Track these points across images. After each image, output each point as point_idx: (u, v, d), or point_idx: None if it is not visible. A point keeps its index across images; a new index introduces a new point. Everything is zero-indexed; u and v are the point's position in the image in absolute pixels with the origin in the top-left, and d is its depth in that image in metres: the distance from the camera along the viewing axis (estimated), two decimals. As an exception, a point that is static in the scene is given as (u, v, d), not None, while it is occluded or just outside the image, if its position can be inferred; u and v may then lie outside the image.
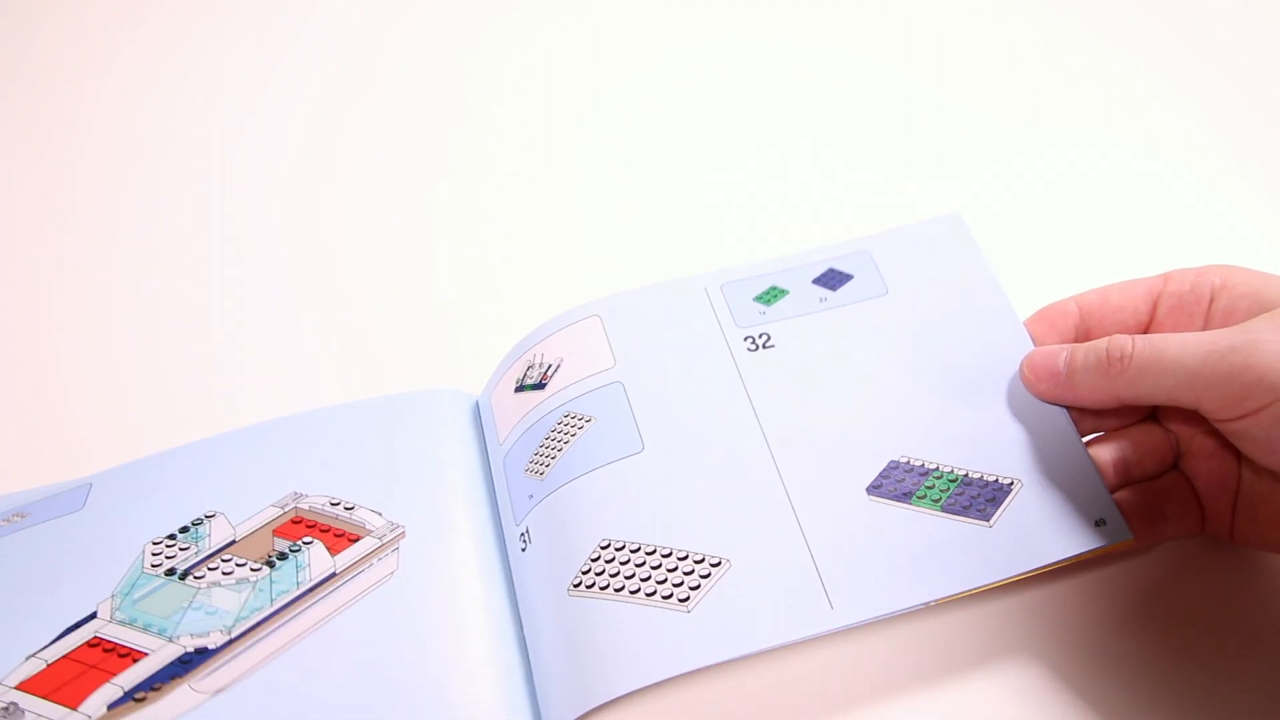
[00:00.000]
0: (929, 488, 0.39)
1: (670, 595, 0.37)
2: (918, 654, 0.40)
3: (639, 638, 0.37)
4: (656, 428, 0.41)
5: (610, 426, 0.41)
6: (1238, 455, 0.39)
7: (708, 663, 0.36)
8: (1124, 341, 0.37)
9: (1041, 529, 0.38)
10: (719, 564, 0.38)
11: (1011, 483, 0.39)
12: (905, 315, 0.43)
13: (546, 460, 0.42)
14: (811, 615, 0.37)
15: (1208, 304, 0.39)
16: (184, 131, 0.59)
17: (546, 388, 0.44)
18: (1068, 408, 0.40)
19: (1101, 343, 0.38)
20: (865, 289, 0.44)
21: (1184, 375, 0.35)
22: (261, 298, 0.52)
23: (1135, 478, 0.40)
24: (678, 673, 0.36)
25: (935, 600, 0.37)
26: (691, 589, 0.37)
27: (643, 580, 0.38)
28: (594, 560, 0.39)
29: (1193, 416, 0.40)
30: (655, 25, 0.64)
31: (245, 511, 0.41)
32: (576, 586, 0.38)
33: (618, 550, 0.39)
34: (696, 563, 0.38)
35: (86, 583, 0.38)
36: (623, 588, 0.38)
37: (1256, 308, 0.37)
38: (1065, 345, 0.40)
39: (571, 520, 0.40)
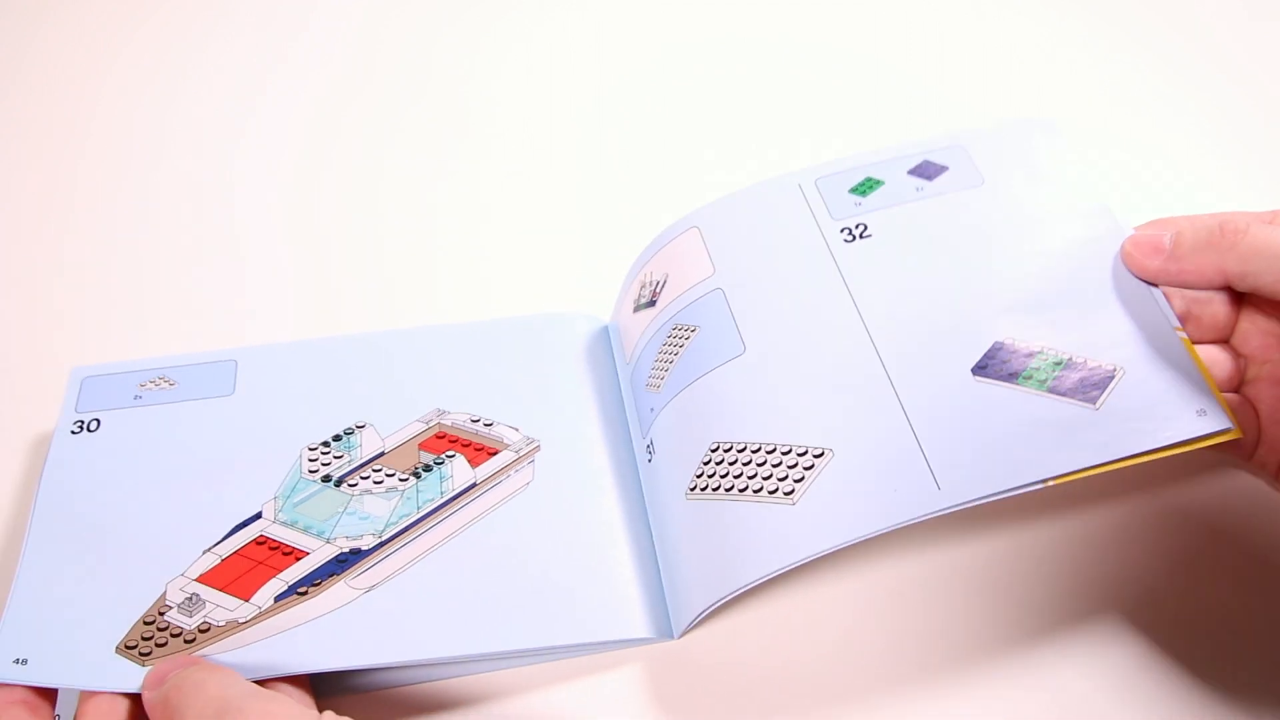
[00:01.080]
0: (1034, 369, 0.38)
1: (776, 490, 0.38)
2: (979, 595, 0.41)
3: (748, 535, 0.37)
4: (756, 328, 0.42)
5: (713, 333, 0.42)
6: None
7: (813, 553, 0.36)
8: (1238, 218, 0.37)
9: (1147, 414, 0.37)
10: (821, 455, 0.38)
11: (1115, 369, 0.38)
12: (1002, 205, 0.43)
13: (661, 373, 0.43)
14: (918, 497, 0.36)
15: None
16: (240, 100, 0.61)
17: (657, 304, 0.45)
18: (1165, 292, 0.39)
19: (1213, 218, 0.37)
20: (961, 179, 0.44)
21: None
22: (397, 218, 0.55)
23: None
24: (784, 567, 0.36)
25: (1043, 481, 0.36)
26: (796, 481, 0.38)
27: (749, 478, 0.38)
28: (705, 464, 0.40)
29: (1271, 338, 0.39)
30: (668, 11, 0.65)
31: (391, 422, 0.44)
32: (693, 490, 0.40)
33: (726, 451, 0.39)
34: (800, 455, 0.38)
35: (248, 480, 0.41)
36: (732, 487, 0.39)
37: None
38: (1171, 220, 0.39)
39: (684, 428, 0.41)
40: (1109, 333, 0.39)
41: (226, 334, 0.50)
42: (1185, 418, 0.37)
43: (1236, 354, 0.40)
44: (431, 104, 0.61)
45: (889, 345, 0.40)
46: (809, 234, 0.43)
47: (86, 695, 0.36)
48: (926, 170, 0.44)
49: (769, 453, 0.39)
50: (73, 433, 0.42)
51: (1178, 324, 0.38)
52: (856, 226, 0.43)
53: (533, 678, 0.39)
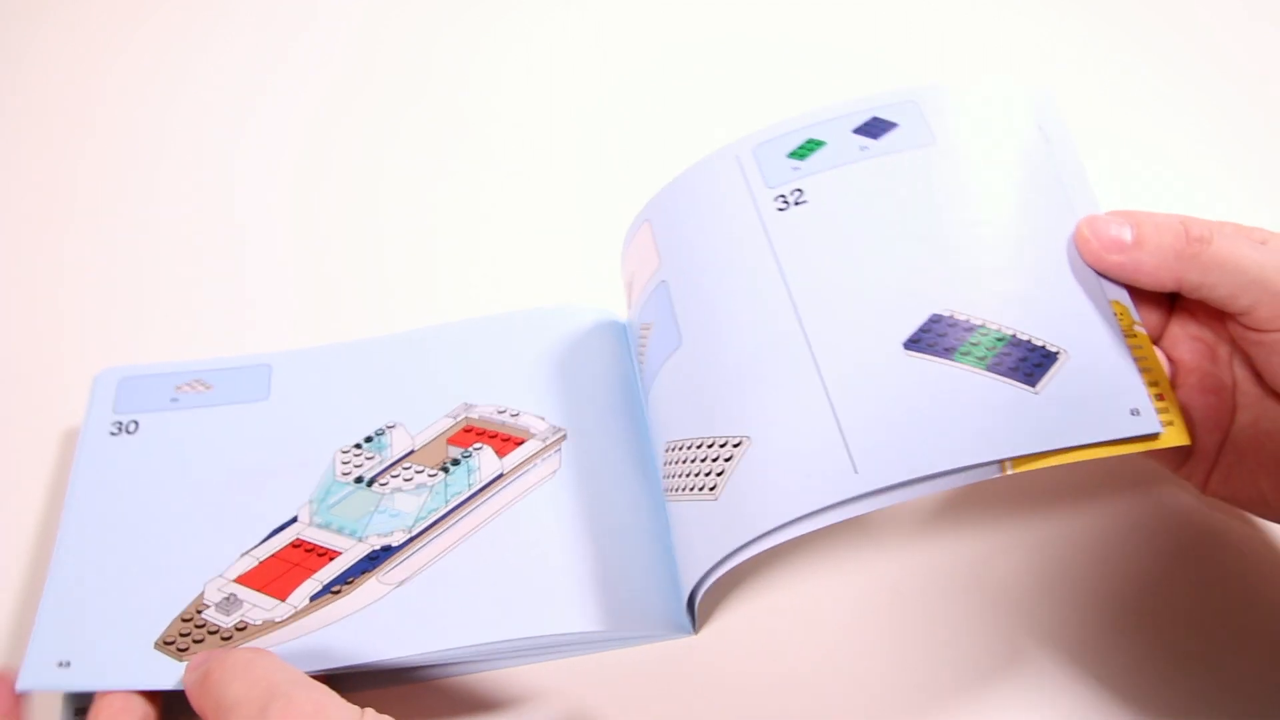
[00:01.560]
0: (974, 344, 0.34)
1: (701, 486, 0.36)
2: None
3: (686, 536, 0.37)
4: (689, 317, 0.40)
5: (660, 328, 0.41)
6: (1233, 399, 0.38)
7: (729, 550, 0.35)
8: (1203, 225, 0.34)
9: (1085, 405, 0.33)
10: (739, 444, 0.36)
11: (1058, 352, 0.34)
12: (953, 166, 0.38)
13: (641, 377, 0.43)
14: (832, 482, 0.33)
15: None
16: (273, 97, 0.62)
17: (632, 306, 0.44)
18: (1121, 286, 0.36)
19: (1175, 218, 0.34)
20: (911, 138, 0.39)
21: (1255, 275, 0.34)
22: (410, 219, 0.56)
23: None
24: (709, 565, 0.35)
25: (967, 466, 0.33)
26: (717, 475, 0.36)
27: (684, 476, 0.37)
28: (665, 465, 0.39)
29: (1201, 345, 0.38)
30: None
31: (421, 420, 0.44)
32: (667, 493, 0.39)
33: (674, 451, 0.39)
34: (720, 446, 0.36)
35: (284, 486, 0.42)
36: (675, 489, 0.38)
37: None
38: (1130, 214, 0.36)
39: (655, 431, 0.41)
40: (1056, 310, 0.35)
41: (232, 334, 0.51)
42: (1121, 415, 0.33)
43: (1167, 358, 0.37)
44: (433, 104, 0.61)
45: (815, 319, 0.37)
46: (742, 207, 0.40)
47: (102, 692, 0.36)
48: (873, 128, 0.40)
49: (697, 448, 0.37)
50: (111, 434, 0.43)
51: (1137, 317, 0.35)
52: (791, 193, 0.39)
53: (546, 678, 0.40)
